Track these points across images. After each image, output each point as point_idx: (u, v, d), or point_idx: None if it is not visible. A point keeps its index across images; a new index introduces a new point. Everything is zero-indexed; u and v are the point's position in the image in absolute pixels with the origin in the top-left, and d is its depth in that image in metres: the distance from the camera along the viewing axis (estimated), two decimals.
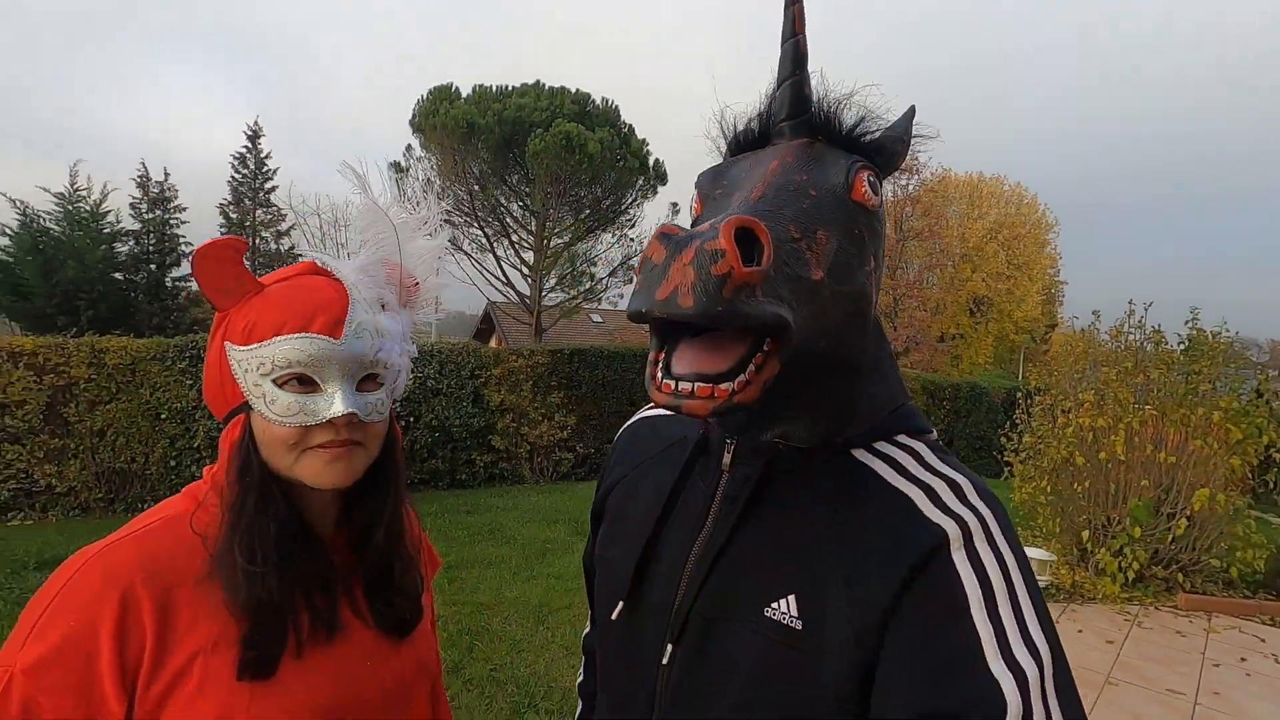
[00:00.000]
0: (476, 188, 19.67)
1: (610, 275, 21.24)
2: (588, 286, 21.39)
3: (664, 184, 20.44)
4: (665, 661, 0.67)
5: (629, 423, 0.92)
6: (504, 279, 20.97)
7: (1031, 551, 4.63)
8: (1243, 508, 5.11)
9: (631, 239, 20.90)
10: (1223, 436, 4.89)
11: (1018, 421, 6.13)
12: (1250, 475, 5.14)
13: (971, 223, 26.71)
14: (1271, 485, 5.28)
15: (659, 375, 0.55)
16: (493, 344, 23.76)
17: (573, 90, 19.69)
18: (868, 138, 0.66)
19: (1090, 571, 5.13)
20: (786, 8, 0.62)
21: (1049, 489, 5.46)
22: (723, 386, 0.52)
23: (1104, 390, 5.23)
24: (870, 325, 0.65)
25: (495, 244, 20.79)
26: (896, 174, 23.39)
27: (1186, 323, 5.42)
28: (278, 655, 0.71)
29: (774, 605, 0.62)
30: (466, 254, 20.70)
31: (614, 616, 0.73)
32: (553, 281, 21.18)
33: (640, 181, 20.29)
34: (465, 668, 3.35)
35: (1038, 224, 28.28)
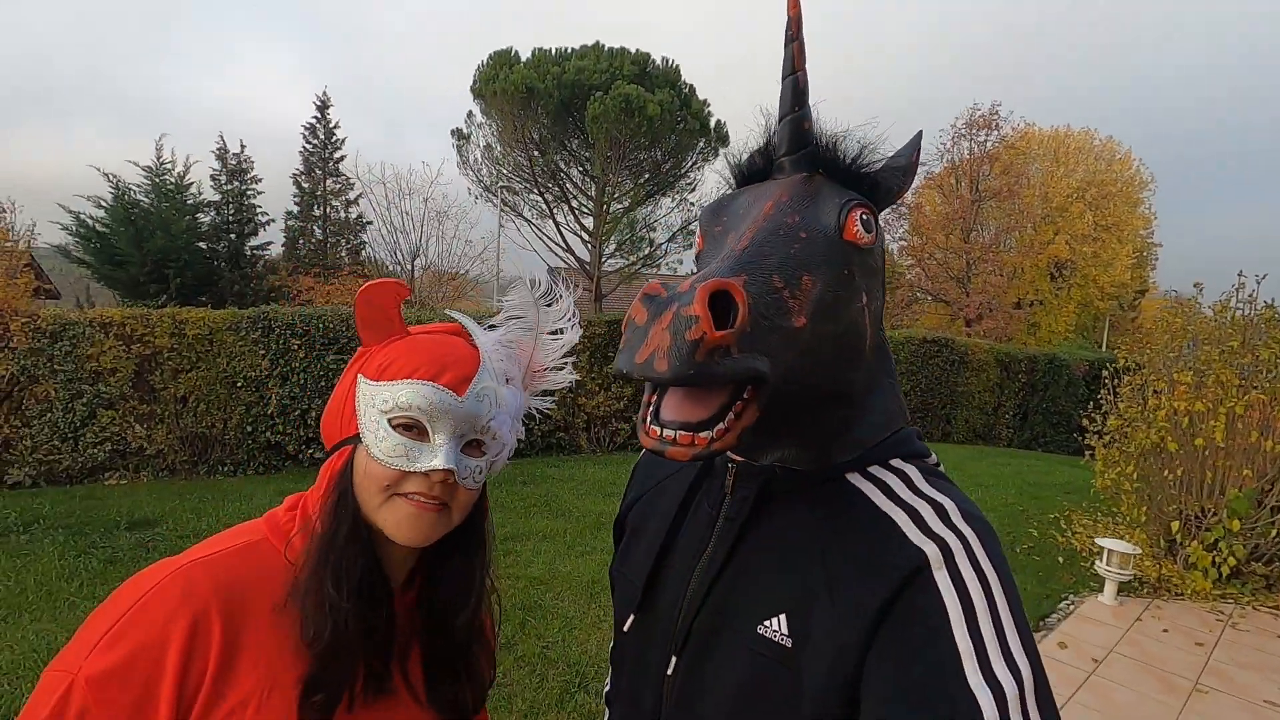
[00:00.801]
0: (536, 153, 19.65)
1: (670, 240, 21.00)
2: (647, 252, 21.23)
3: (726, 146, 19.87)
4: (670, 672, 0.72)
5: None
6: (564, 245, 21.05)
7: (1112, 543, 4.33)
8: None
9: (691, 203, 20.55)
10: None
11: (1102, 401, 5.72)
12: None
13: (1056, 181, 24.98)
14: None
15: (648, 421, 0.58)
16: None
17: (632, 51, 19.23)
18: (867, 169, 0.68)
19: (1179, 565, 4.78)
20: (786, 44, 0.63)
21: (1135, 475, 5.09)
22: (702, 435, 0.55)
23: (1204, 370, 4.79)
24: (862, 357, 0.66)
25: (555, 209, 20.84)
26: (974, 130, 21.91)
27: None
28: (339, 700, 0.71)
29: (766, 623, 0.65)
30: (527, 220, 20.84)
31: (626, 628, 0.79)
32: (612, 247, 21.11)
33: (701, 144, 19.82)
34: (518, 644, 3.40)
35: (1130, 181, 26.17)
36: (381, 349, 0.78)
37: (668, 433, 0.56)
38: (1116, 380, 5.64)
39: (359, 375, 0.78)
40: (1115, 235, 25.43)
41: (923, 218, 22.83)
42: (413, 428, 0.74)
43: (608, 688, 0.98)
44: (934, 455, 0.73)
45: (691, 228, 20.80)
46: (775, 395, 0.57)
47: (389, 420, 0.74)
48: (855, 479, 0.69)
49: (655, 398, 0.58)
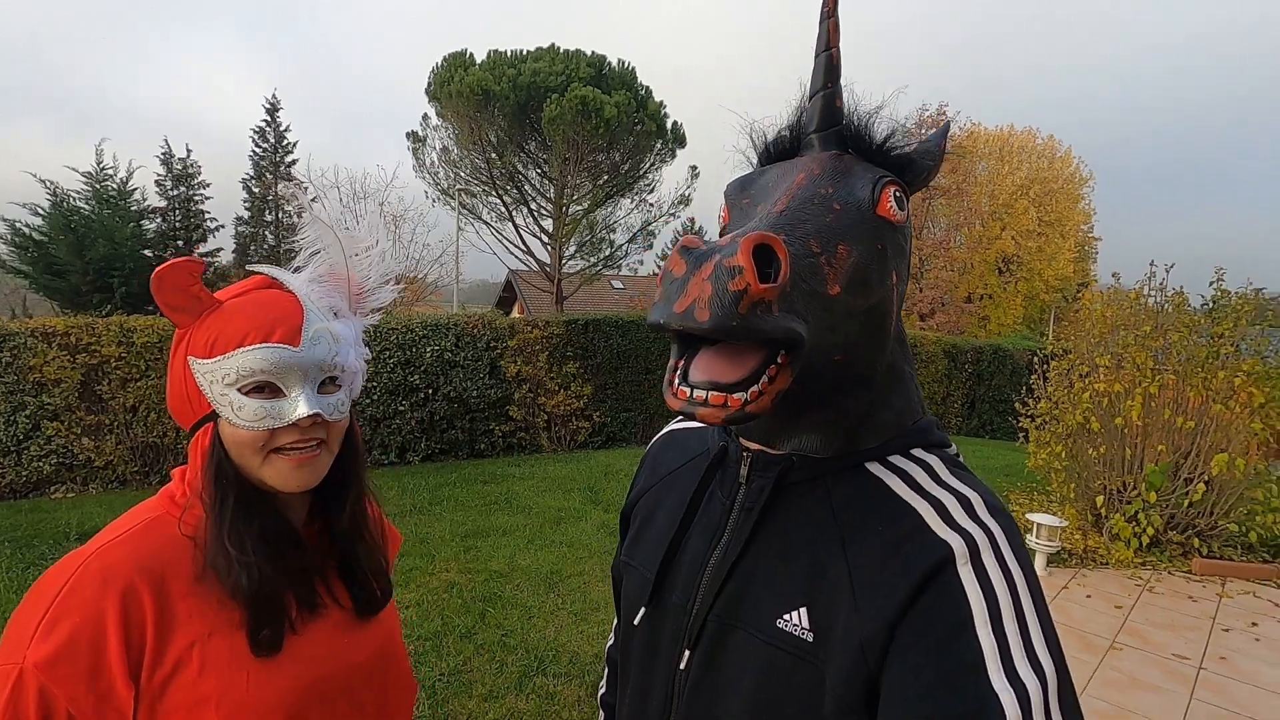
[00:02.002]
0: (494, 155, 19.56)
1: (630, 241, 21.09)
2: (607, 253, 21.29)
3: (683, 147, 20.10)
4: (682, 666, 0.70)
5: (658, 435, 0.95)
6: (524, 247, 20.97)
7: (1041, 517, 4.61)
8: (1264, 472, 5.02)
9: (650, 204, 20.67)
10: (1245, 400, 4.78)
11: (1033, 386, 6.05)
12: (1276, 439, 5.03)
13: (1001, 179, 25.90)
14: None
15: (675, 382, 0.56)
16: (515, 312, 23.89)
17: (588, 53, 19.32)
18: (897, 152, 0.66)
19: (1104, 537, 5.10)
20: (822, 21, 0.63)
21: (1064, 454, 5.41)
22: (735, 396, 0.53)
23: (1122, 354, 5.13)
24: (889, 339, 0.65)
25: (514, 212, 20.75)
26: (923, 130, 22.64)
27: (1211, 283, 5.26)
28: (282, 633, 0.79)
29: (786, 617, 0.63)
30: (486, 223, 20.72)
31: (636, 621, 0.76)
32: (572, 249, 21.11)
33: (658, 145, 19.97)
34: (477, 633, 3.49)
35: (1071, 179, 27.30)
36: (200, 326, 0.79)
37: (698, 393, 0.54)
38: (1046, 366, 5.97)
39: (188, 356, 0.79)
40: (1058, 230, 26.51)
41: None
42: (265, 388, 0.78)
43: (603, 690, 0.99)
44: (954, 445, 0.72)
45: (652, 228, 20.98)
46: (806, 366, 0.56)
47: (238, 389, 0.77)
48: (875, 468, 0.67)
49: (684, 361, 0.57)
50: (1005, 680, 0.53)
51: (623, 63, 19.66)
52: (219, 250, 17.27)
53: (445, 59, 19.24)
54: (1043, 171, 26.75)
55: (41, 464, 5.93)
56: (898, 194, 0.63)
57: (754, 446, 0.71)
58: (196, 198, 16.64)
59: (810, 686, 0.60)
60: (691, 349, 0.57)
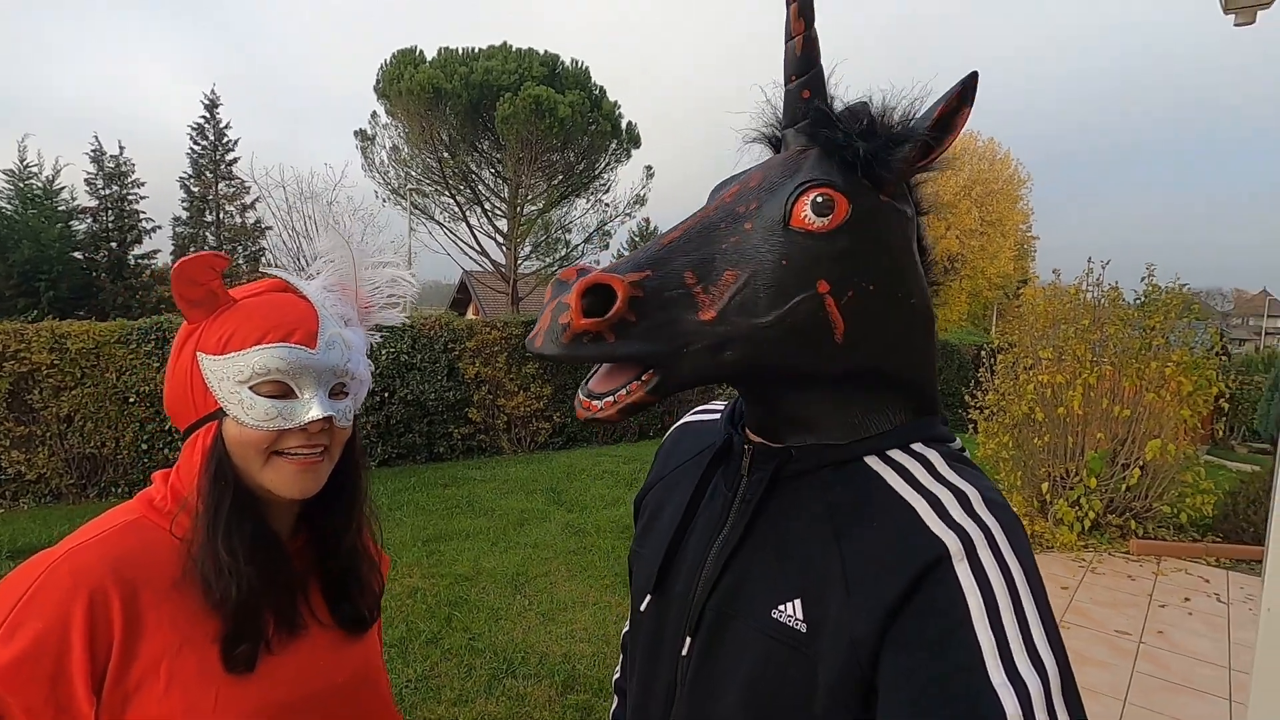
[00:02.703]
0: (446, 154, 19.25)
1: (585, 241, 21.05)
2: (563, 253, 21.19)
3: (638, 147, 20.17)
4: (684, 653, 0.71)
5: (674, 426, 0.96)
6: (478, 248, 20.71)
7: None
8: (1193, 456, 5.33)
9: (606, 204, 20.67)
10: (1175, 389, 5.07)
11: (981, 379, 6.28)
12: (1203, 424, 5.35)
13: (945, 180, 26.72)
14: (1223, 433, 5.48)
15: (580, 388, 0.63)
16: (470, 313, 23.55)
17: (541, 52, 19.20)
18: (863, 147, 0.63)
19: (1049, 522, 5.34)
20: (786, 6, 0.62)
21: (1011, 444, 5.64)
22: (594, 403, 0.61)
23: (1063, 347, 5.37)
24: (826, 346, 0.63)
25: (468, 212, 20.47)
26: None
27: (1143, 279, 5.56)
28: (258, 650, 0.76)
29: (781, 607, 0.64)
30: (439, 223, 20.39)
31: (642, 609, 0.78)
32: (527, 249, 20.95)
33: (613, 145, 19.98)
34: (444, 638, 3.44)
35: (1010, 180, 28.43)
36: (214, 322, 0.78)
37: (580, 395, 0.63)
38: (993, 359, 6.22)
39: (198, 353, 0.78)
40: (999, 230, 27.56)
41: None
42: (278, 388, 0.77)
43: (617, 675, 0.99)
44: (958, 440, 0.71)
45: (608, 228, 20.98)
46: (676, 384, 0.61)
47: (251, 388, 0.76)
48: (874, 462, 0.67)
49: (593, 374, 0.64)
50: (1005, 677, 0.52)
51: (576, 62, 19.59)
52: (156, 252, 16.53)
53: (394, 55, 18.84)
54: (984, 173, 27.78)
55: None
56: (819, 199, 0.61)
57: (756, 440, 0.73)
58: (130, 197, 15.88)
59: (803, 677, 0.61)
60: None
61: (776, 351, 0.62)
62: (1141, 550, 4.99)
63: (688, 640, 0.71)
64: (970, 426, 6.34)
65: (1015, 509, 4.22)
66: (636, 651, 0.81)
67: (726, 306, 0.60)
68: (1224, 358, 5.42)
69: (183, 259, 0.75)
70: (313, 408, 0.77)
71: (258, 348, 0.76)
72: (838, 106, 0.65)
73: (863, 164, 0.63)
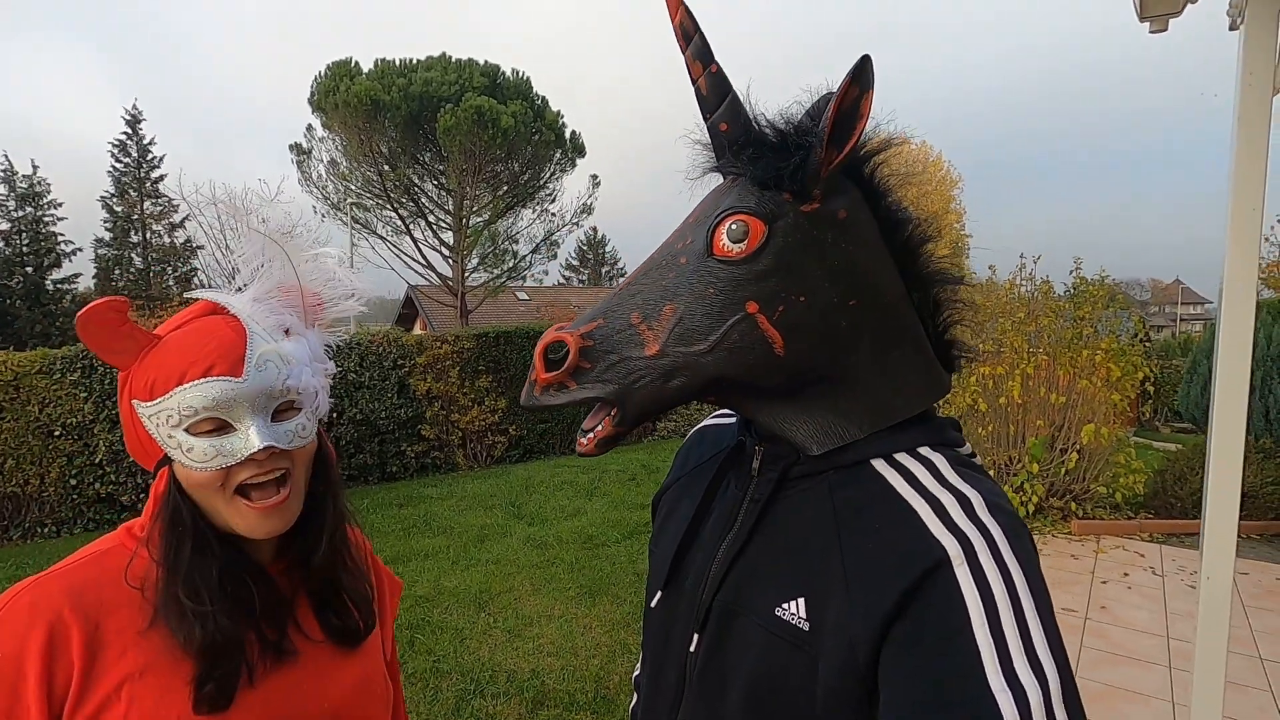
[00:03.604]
0: (386, 167, 18.88)
1: (533, 252, 20.93)
2: (511, 265, 21.02)
3: (582, 156, 20.19)
4: (692, 649, 0.73)
5: (694, 429, 0.99)
6: (424, 261, 20.37)
7: None
8: (1124, 438, 5.63)
9: (553, 214, 20.61)
10: (1104, 375, 5.35)
11: None
12: (1130, 408, 5.66)
13: None
14: (1148, 415, 5.81)
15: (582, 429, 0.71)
16: (417, 329, 23.07)
17: (481, 62, 19.04)
18: (772, 161, 0.65)
19: None
20: (681, 52, 0.65)
21: None
22: (583, 440, 0.69)
23: (1001, 340, 5.61)
24: (771, 360, 0.65)
25: (412, 225, 20.11)
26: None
27: (1071, 272, 5.86)
28: (234, 688, 0.73)
29: (784, 605, 0.65)
30: (381, 237, 19.96)
31: (653, 605, 0.81)
32: (475, 261, 20.69)
33: (558, 155, 19.96)
34: (406, 662, 3.35)
35: (943, 181, 29.59)
36: (140, 366, 0.74)
37: (579, 435, 0.71)
38: None
39: (132, 400, 0.75)
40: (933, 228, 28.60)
41: None
42: (212, 425, 0.73)
43: (637, 671, 0.99)
44: (968, 445, 0.72)
45: (555, 238, 20.91)
46: (640, 410, 0.66)
47: (185, 430, 0.72)
48: (880, 465, 0.68)
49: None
50: (1004, 682, 0.52)
51: (517, 72, 19.51)
52: (77, 275, 15.72)
53: (329, 67, 18.39)
54: (918, 175, 28.85)
55: None
56: (734, 225, 0.64)
57: (767, 442, 0.74)
58: (47, 219, 15.04)
59: (805, 674, 0.62)
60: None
61: (722, 372, 0.65)
62: (1082, 530, 5.24)
63: (695, 636, 0.72)
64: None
65: None
66: (648, 647, 0.83)
67: (667, 340, 0.65)
68: (1146, 344, 5.75)
69: (81, 313, 0.70)
70: (250, 438, 0.73)
71: (180, 388, 0.72)
72: (763, 122, 0.67)
73: (775, 181, 0.65)
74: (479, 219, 20.15)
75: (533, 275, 21.85)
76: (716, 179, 0.74)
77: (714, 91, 0.65)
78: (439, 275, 20.27)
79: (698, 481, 0.84)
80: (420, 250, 20.12)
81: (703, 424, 0.98)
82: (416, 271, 20.29)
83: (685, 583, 0.76)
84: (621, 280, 0.74)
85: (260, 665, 0.76)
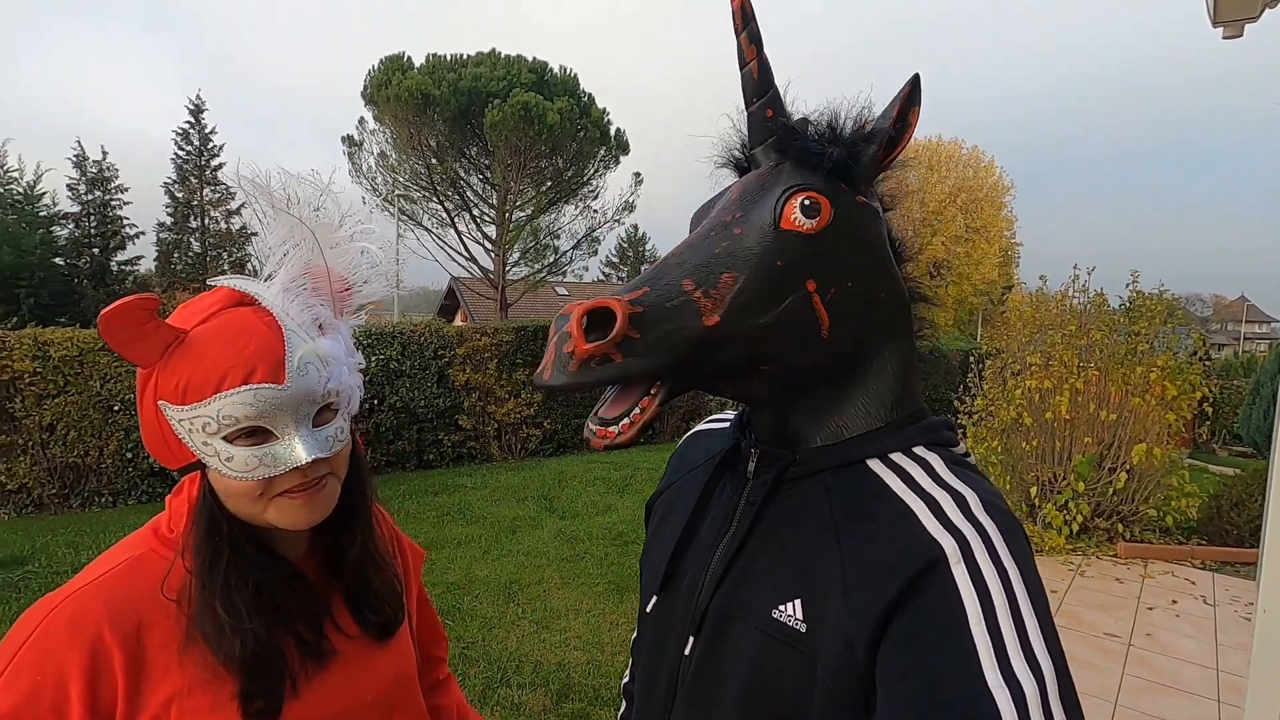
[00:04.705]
0: (434, 161, 19.21)
1: (574, 247, 21.06)
2: (551, 259, 21.19)
3: (626, 153, 20.22)
4: (686, 653, 0.72)
5: (687, 434, 0.99)
6: (467, 254, 20.67)
7: None
8: (1178, 459, 5.40)
9: (595, 210, 20.70)
10: (1159, 393, 5.14)
11: (970, 385, 6.34)
12: (1186, 428, 5.43)
13: (931, 187, 27.07)
14: (1205, 437, 5.56)
15: (591, 419, 0.63)
16: (458, 320, 23.45)
17: (529, 59, 19.22)
18: (833, 152, 0.67)
19: (1038, 525, 5.39)
20: (736, 35, 0.64)
21: (1000, 449, 5.69)
22: (611, 429, 0.61)
23: (1050, 353, 5.44)
24: (815, 343, 0.66)
25: (456, 218, 20.43)
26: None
27: (1127, 285, 5.65)
28: (281, 698, 0.71)
29: (781, 607, 0.65)
30: (427, 229, 20.32)
31: (649, 609, 0.80)
32: (516, 255, 20.92)
33: (602, 152, 20.02)
34: None
35: (995, 186, 28.78)
36: (167, 365, 0.68)
37: (594, 426, 0.62)
38: (981, 365, 6.28)
39: (159, 402, 0.69)
40: (984, 236, 27.87)
41: None
42: (254, 433, 0.69)
43: (626, 678, 0.99)
44: (962, 444, 0.73)
45: (597, 234, 21.00)
46: (687, 384, 0.61)
47: (224, 439, 0.68)
48: (876, 465, 0.68)
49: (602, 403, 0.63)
50: (1001, 679, 0.52)
51: (564, 69, 19.62)
52: (139, 258, 16.37)
53: (382, 62, 18.78)
54: (969, 180, 28.11)
55: None
56: (806, 201, 0.64)
57: (763, 444, 0.75)
58: (114, 203, 15.73)
59: (802, 677, 0.62)
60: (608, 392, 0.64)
61: (768, 350, 0.64)
62: (1129, 553, 5.05)
63: (690, 640, 0.72)
64: (959, 431, 6.39)
65: None
66: (641, 651, 0.82)
67: (729, 309, 0.61)
68: (1206, 362, 5.51)
69: (106, 310, 0.64)
70: (296, 448, 0.69)
71: (218, 396, 0.67)
72: (811, 116, 0.69)
73: (837, 167, 0.67)
74: (522, 214, 20.35)
75: (573, 271, 22.01)
76: (722, 177, 0.77)
77: (762, 77, 0.66)
78: (481, 268, 20.55)
79: (692, 486, 0.84)
80: (464, 243, 20.43)
81: (696, 429, 0.98)
82: (459, 264, 20.61)
83: (681, 587, 0.76)
84: (664, 255, 0.67)
85: (302, 671, 0.74)
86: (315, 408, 0.72)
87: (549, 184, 19.91)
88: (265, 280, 0.75)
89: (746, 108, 0.68)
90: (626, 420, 0.61)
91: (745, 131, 0.72)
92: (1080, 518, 5.11)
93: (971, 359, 6.63)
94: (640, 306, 0.59)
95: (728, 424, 0.87)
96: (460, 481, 6.86)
